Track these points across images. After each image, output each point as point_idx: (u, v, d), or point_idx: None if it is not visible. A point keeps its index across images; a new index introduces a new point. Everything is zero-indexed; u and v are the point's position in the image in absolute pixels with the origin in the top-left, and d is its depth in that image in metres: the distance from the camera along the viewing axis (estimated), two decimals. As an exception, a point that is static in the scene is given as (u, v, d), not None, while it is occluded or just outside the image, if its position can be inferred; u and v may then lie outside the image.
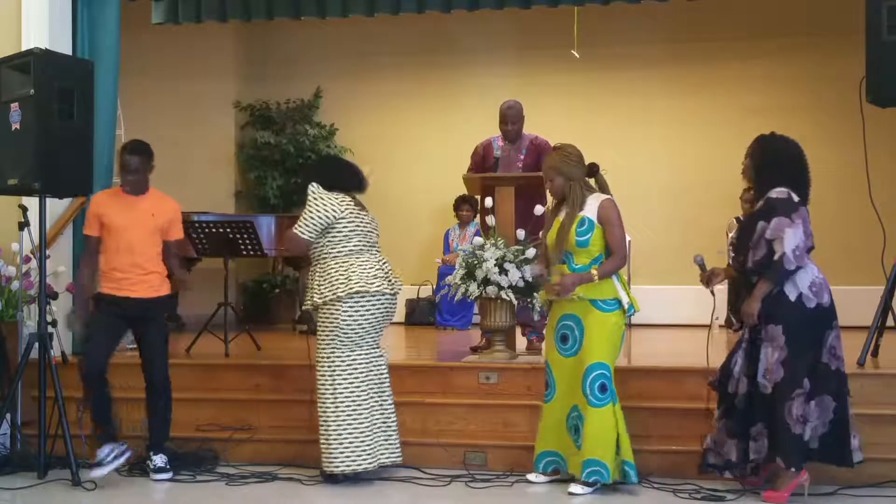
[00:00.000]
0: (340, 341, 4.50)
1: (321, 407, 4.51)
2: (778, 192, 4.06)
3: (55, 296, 4.91)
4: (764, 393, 4.05)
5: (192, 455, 4.93)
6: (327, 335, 4.52)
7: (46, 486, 4.59)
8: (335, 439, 4.46)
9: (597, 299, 4.31)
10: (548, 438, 4.47)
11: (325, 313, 4.52)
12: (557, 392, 4.42)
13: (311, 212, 4.54)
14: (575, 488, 4.27)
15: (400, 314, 8.90)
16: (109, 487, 4.55)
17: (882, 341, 5.21)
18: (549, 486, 4.43)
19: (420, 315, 8.66)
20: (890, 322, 5.21)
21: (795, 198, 4.05)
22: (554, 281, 4.37)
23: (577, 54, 8.30)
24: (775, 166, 4.14)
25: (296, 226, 4.56)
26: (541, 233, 4.69)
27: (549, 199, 4.72)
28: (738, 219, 7.54)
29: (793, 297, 4.03)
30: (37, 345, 4.80)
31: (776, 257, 3.97)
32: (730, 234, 7.48)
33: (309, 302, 4.58)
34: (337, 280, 4.50)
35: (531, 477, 4.50)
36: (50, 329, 4.77)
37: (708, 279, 4.38)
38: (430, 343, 7.28)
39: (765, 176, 4.15)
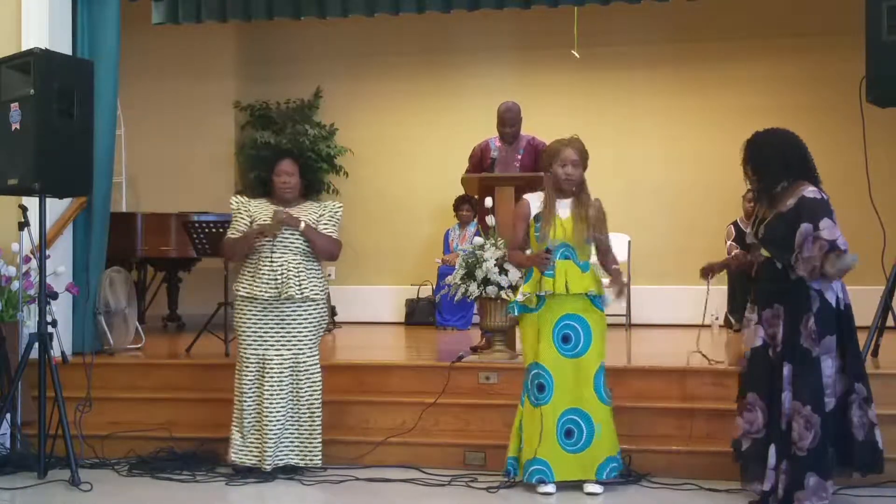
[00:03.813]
0: (319, 338, 4.75)
1: (316, 404, 4.67)
2: (812, 193, 3.95)
3: (55, 296, 4.90)
4: (828, 411, 3.91)
5: (192, 455, 4.93)
6: (317, 333, 4.72)
7: (46, 486, 4.59)
8: (318, 433, 4.70)
9: (597, 297, 4.34)
10: (536, 444, 4.29)
11: (311, 310, 4.67)
12: (554, 395, 4.27)
13: (339, 221, 4.82)
14: (594, 488, 4.27)
15: (400, 314, 8.94)
16: (109, 487, 4.55)
17: (882, 341, 5.22)
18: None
19: (420, 315, 8.67)
20: (890, 322, 5.21)
21: (825, 195, 3.96)
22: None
23: (577, 54, 8.29)
24: (785, 160, 4.03)
25: (333, 233, 4.76)
26: (526, 227, 4.44)
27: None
28: (735, 224, 7.53)
29: (833, 304, 3.94)
30: (37, 345, 4.79)
31: (842, 250, 3.83)
32: (728, 242, 7.46)
33: (299, 292, 4.60)
34: (325, 282, 4.79)
35: (544, 489, 4.28)
36: (50, 329, 4.77)
37: (710, 270, 4.33)
38: (430, 343, 7.28)
39: (780, 173, 4.02)
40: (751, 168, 4.11)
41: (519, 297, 4.40)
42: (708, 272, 4.36)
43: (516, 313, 4.45)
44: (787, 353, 3.95)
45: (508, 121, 6.01)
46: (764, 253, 4.07)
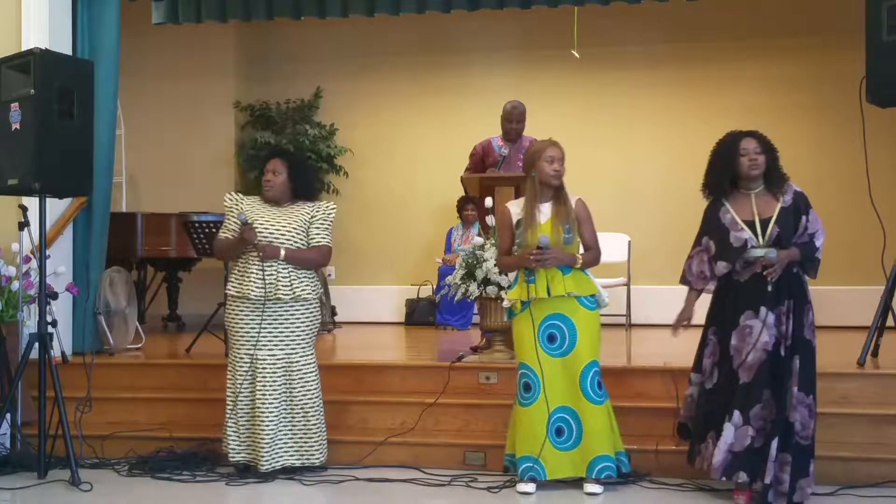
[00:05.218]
0: (313, 338, 4.74)
1: (310, 403, 4.65)
2: (797, 186, 4.16)
3: (55, 296, 4.90)
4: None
5: (192, 455, 4.94)
6: (309, 333, 4.69)
7: (46, 486, 4.59)
8: (322, 432, 4.71)
9: (582, 296, 4.35)
10: (527, 443, 4.34)
11: (304, 310, 4.66)
12: (542, 394, 4.30)
13: (331, 223, 4.76)
14: (594, 487, 4.27)
15: (400, 314, 8.94)
16: (109, 487, 4.55)
17: (882, 341, 5.22)
18: (545, 488, 4.42)
19: (420, 315, 8.66)
20: (890, 322, 5.21)
21: None
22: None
23: (577, 54, 8.29)
24: (778, 162, 4.22)
25: (326, 241, 4.70)
26: (511, 235, 4.48)
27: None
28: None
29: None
30: (37, 345, 4.79)
31: (818, 244, 4.08)
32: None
33: (290, 293, 4.57)
34: (317, 281, 4.75)
35: (523, 487, 4.33)
36: (50, 329, 4.77)
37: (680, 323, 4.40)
38: (430, 343, 7.28)
39: (779, 172, 4.21)
40: (769, 160, 4.19)
41: (505, 304, 4.54)
42: (677, 327, 4.41)
43: (507, 318, 4.60)
44: (796, 347, 4.04)
45: (515, 117, 6.08)
46: (766, 254, 4.09)
